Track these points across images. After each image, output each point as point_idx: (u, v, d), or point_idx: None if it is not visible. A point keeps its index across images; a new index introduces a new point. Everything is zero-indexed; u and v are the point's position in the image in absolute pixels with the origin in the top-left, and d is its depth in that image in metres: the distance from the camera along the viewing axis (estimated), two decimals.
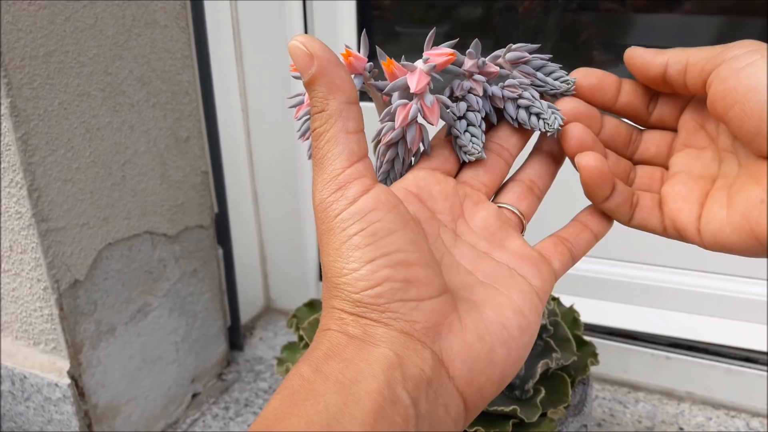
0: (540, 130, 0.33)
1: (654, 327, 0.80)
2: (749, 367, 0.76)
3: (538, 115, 0.33)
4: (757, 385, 0.76)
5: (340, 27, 0.80)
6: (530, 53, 0.34)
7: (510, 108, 0.34)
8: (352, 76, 0.32)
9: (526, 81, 0.33)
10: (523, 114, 0.33)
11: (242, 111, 0.87)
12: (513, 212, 0.35)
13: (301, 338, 0.61)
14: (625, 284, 0.81)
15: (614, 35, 0.75)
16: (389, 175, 0.35)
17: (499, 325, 0.29)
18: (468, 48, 0.33)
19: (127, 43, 0.63)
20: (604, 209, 0.34)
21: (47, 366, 0.66)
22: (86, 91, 0.60)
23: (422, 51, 0.32)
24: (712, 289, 0.78)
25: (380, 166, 0.34)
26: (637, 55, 0.33)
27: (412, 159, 0.35)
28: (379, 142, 0.34)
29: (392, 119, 0.32)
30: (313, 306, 0.66)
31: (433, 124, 0.32)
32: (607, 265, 0.81)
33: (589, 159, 0.32)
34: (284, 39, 0.82)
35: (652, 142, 0.35)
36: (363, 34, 0.32)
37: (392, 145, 0.33)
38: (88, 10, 0.59)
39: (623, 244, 0.80)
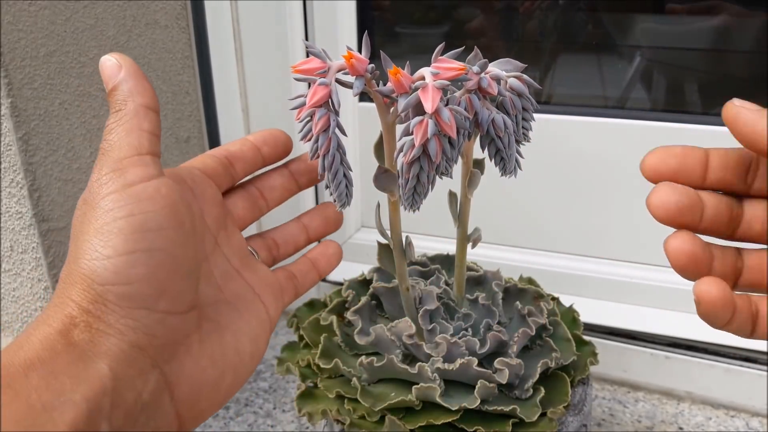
0: (498, 169, 0.36)
1: (654, 327, 0.80)
2: (749, 367, 0.76)
3: (502, 159, 0.36)
4: (757, 385, 0.76)
5: (340, 27, 0.81)
6: (529, 90, 0.35)
7: (484, 140, 0.36)
8: (354, 78, 0.32)
9: (511, 128, 0.35)
10: (492, 150, 0.36)
11: (242, 111, 0.87)
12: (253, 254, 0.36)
13: (301, 338, 0.61)
14: (625, 284, 0.81)
15: (614, 37, 0.75)
16: (416, 189, 0.34)
17: (234, 351, 0.29)
18: (465, 48, 0.33)
19: (128, 43, 0.63)
20: (724, 331, 0.27)
21: None
22: (87, 91, 0.60)
23: (422, 51, 0.32)
24: None
25: (406, 183, 0.34)
26: (741, 116, 0.25)
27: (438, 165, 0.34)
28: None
29: (410, 134, 0.32)
30: (314, 306, 0.65)
31: (452, 137, 0.32)
32: (607, 265, 0.81)
33: (710, 287, 0.25)
34: (285, 39, 0.82)
35: (756, 218, 0.27)
36: (365, 35, 0.33)
37: (414, 161, 0.33)
38: (89, 10, 0.59)
39: (622, 243, 0.81)
